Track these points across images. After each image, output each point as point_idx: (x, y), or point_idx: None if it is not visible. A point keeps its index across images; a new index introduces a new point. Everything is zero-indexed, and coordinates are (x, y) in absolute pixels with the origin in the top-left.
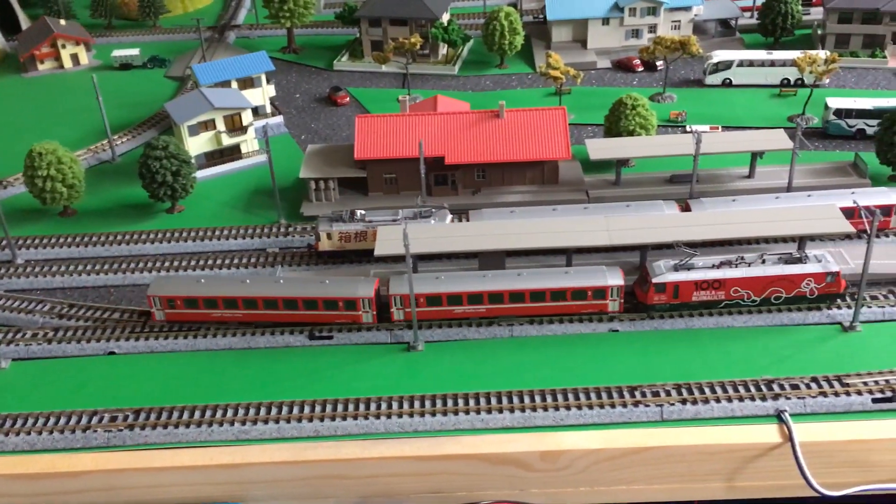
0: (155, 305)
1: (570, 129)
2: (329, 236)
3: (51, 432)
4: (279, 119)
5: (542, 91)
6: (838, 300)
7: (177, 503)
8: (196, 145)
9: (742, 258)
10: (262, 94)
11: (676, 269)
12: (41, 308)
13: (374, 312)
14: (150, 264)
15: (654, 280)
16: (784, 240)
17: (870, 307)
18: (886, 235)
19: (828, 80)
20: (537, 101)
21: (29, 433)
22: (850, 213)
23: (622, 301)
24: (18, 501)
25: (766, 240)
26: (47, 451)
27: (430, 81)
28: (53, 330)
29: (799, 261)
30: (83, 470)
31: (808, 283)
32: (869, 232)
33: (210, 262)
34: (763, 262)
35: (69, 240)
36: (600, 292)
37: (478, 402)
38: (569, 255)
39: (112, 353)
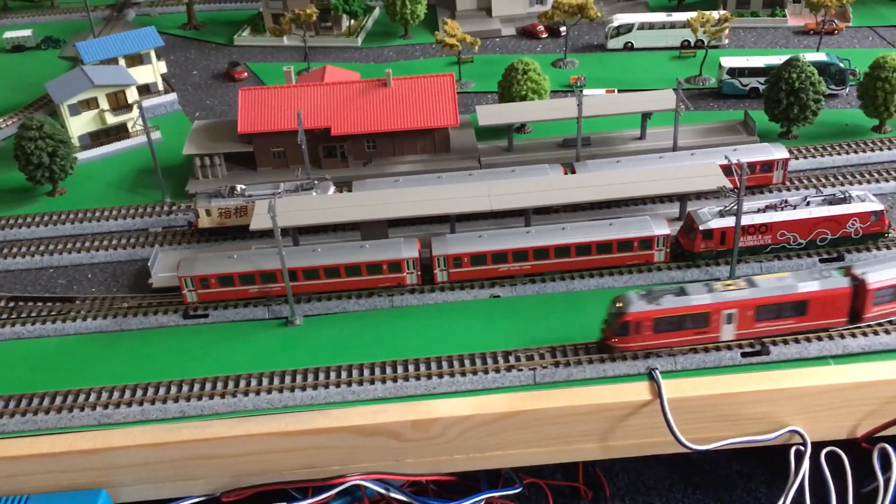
0: (187, 286)
1: (469, 98)
2: (208, 213)
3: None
4: (172, 96)
5: (446, 60)
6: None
7: (38, 491)
8: (78, 125)
9: (786, 202)
10: (153, 71)
11: (722, 214)
12: None
13: (419, 273)
14: (22, 249)
15: (701, 227)
16: (663, 199)
17: (747, 262)
18: (770, 191)
19: (727, 41)
20: (440, 70)
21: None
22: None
23: (668, 250)
24: None
25: (645, 199)
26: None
27: (332, 54)
28: None
29: (843, 201)
30: None
31: (853, 224)
32: (739, 186)
33: (88, 244)
34: (808, 203)
35: None
36: (646, 242)
37: (350, 375)
38: (528, 216)
39: None
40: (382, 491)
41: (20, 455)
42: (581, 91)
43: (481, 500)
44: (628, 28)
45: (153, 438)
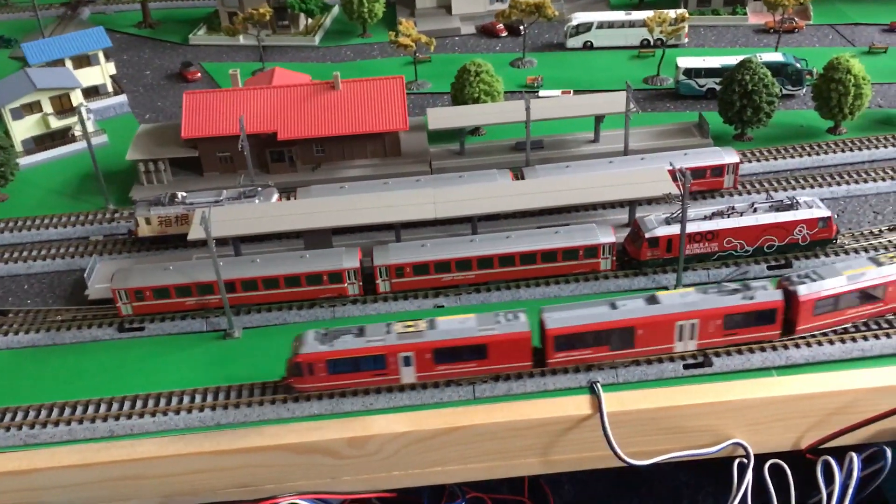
0: (121, 299)
1: (425, 99)
2: (148, 221)
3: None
4: (122, 98)
5: (402, 60)
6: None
7: None
8: (21, 129)
9: (733, 208)
10: (102, 72)
11: (668, 222)
12: None
13: (360, 283)
14: None
15: (647, 235)
16: (614, 205)
17: (695, 270)
18: (722, 195)
19: (686, 40)
20: (397, 70)
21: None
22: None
23: (615, 258)
24: None
25: (595, 206)
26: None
27: (288, 53)
28: None
29: (790, 207)
30: None
31: (800, 230)
32: (682, 193)
33: (25, 253)
34: (755, 210)
35: None
36: (592, 251)
37: (286, 391)
38: (474, 223)
39: None
40: None
41: None
42: (538, 91)
43: None
44: (587, 27)
45: (80, 459)
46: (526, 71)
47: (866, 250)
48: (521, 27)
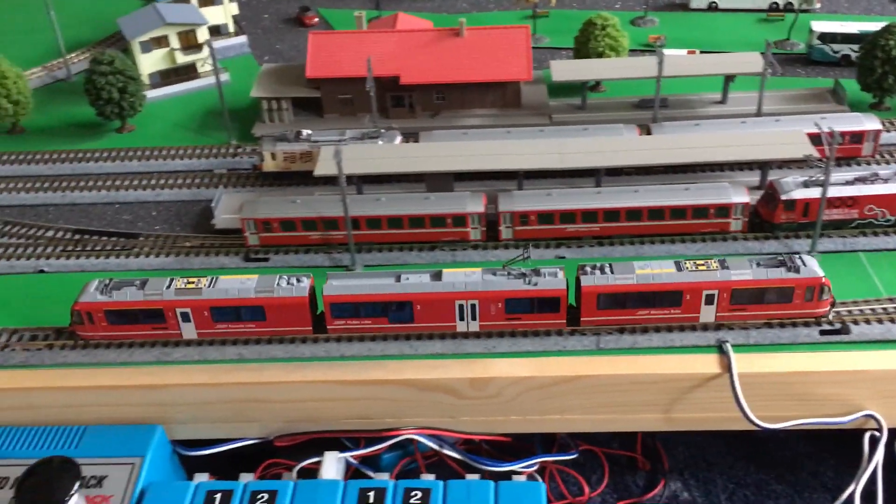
0: (249, 229)
1: (543, 53)
2: (273, 156)
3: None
4: (242, 39)
5: (519, 14)
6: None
7: (95, 422)
8: (149, 63)
9: (877, 175)
10: (225, 12)
11: (806, 185)
12: None
13: (484, 229)
14: (90, 184)
15: (783, 197)
16: (745, 166)
17: (830, 237)
18: (858, 164)
19: (818, 5)
20: (514, 23)
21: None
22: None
23: (746, 220)
24: None
25: (724, 165)
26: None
27: (404, 3)
28: None
29: None
30: None
31: None
32: (828, 156)
33: (153, 182)
34: None
35: (12, 157)
36: (724, 210)
37: None
38: (598, 176)
39: (42, 271)
40: (436, 447)
41: (80, 386)
42: (662, 50)
43: (536, 464)
44: None
45: (210, 378)
46: (648, 30)
47: None
48: None
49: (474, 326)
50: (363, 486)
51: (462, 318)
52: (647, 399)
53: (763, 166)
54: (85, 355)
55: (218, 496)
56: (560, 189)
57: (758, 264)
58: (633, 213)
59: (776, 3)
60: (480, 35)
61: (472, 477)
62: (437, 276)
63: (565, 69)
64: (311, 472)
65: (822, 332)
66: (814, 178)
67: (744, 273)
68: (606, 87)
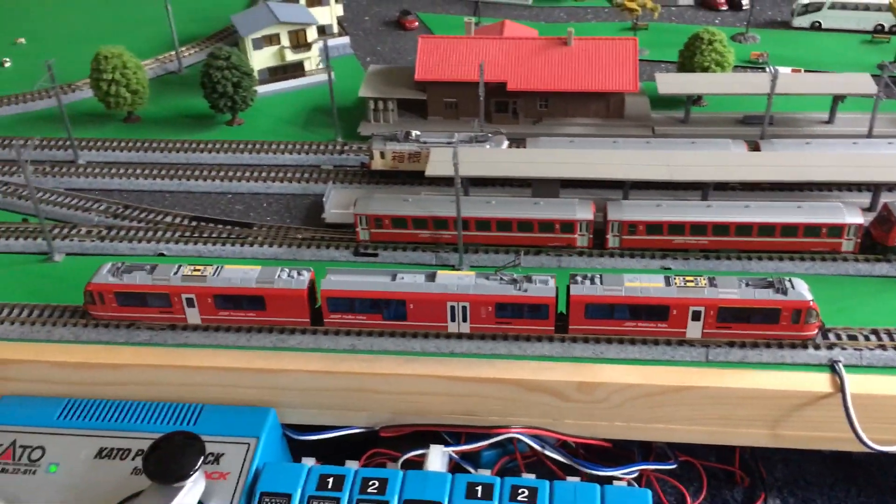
0: (361, 224)
1: (643, 66)
2: (382, 155)
3: (96, 325)
4: (345, 39)
5: (618, 25)
6: None
7: (211, 402)
8: (260, 59)
9: None
10: (330, 13)
11: None
12: (98, 207)
13: (591, 236)
14: (204, 173)
15: None
16: (855, 187)
17: None
18: None
19: None
20: (611, 34)
21: (76, 325)
22: None
23: (859, 241)
24: (61, 388)
25: (831, 186)
26: (91, 343)
27: (502, 10)
28: (107, 228)
29: None
30: (123, 363)
31: None
32: None
33: (264, 174)
34: None
35: (130, 144)
36: (836, 230)
37: None
38: (706, 190)
39: (161, 254)
40: (538, 447)
41: (201, 366)
42: (765, 68)
43: (636, 471)
44: (818, 6)
45: (324, 366)
46: (749, 46)
47: None
48: (745, 2)
49: (465, 328)
50: (471, 480)
51: (454, 319)
52: (754, 414)
53: (876, 188)
54: (206, 337)
55: (331, 480)
56: (669, 201)
57: (746, 284)
58: (743, 229)
59: (882, 24)
60: (588, 45)
61: (572, 480)
62: (432, 278)
63: (671, 82)
64: (414, 465)
65: None
66: None
67: (731, 292)
68: (707, 101)
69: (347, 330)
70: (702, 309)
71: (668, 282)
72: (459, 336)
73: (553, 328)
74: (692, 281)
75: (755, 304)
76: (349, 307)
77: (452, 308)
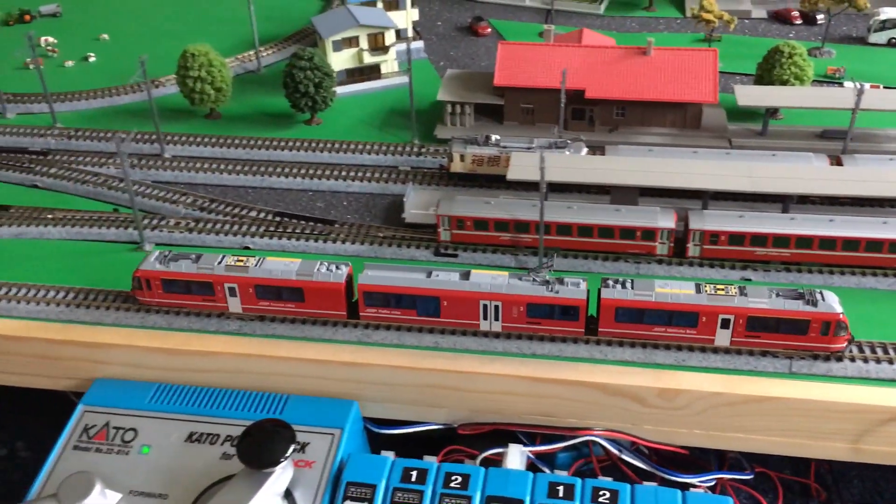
0: (443, 225)
1: (718, 77)
2: (462, 158)
3: (188, 314)
4: (420, 44)
5: (690, 37)
6: None
7: (296, 392)
8: (339, 61)
9: None
10: (406, 17)
11: None
12: (185, 200)
13: (671, 245)
14: (286, 170)
15: None
16: None
17: None
18: None
19: None
20: (685, 45)
21: (167, 313)
22: None
23: None
24: (153, 373)
25: None
26: (183, 331)
27: (573, 19)
28: (195, 221)
29: None
30: (214, 351)
31: None
32: None
33: (344, 173)
34: None
35: (213, 140)
36: None
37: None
38: (786, 203)
39: (247, 247)
40: (615, 451)
41: (288, 357)
42: (842, 83)
43: (713, 480)
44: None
45: (408, 362)
46: (824, 61)
47: None
48: (819, 16)
49: (497, 326)
50: (552, 480)
51: (486, 318)
52: (837, 427)
53: None
54: (293, 329)
55: (414, 473)
56: (752, 212)
57: (777, 294)
58: (827, 242)
59: None
60: (667, 55)
61: (648, 485)
62: (466, 276)
63: (751, 94)
64: (492, 463)
65: None
66: None
67: (761, 301)
68: (783, 114)
69: (378, 324)
70: (731, 317)
71: (698, 289)
72: (488, 334)
73: (583, 330)
74: (723, 289)
75: (784, 314)
76: (385, 302)
77: (485, 306)
